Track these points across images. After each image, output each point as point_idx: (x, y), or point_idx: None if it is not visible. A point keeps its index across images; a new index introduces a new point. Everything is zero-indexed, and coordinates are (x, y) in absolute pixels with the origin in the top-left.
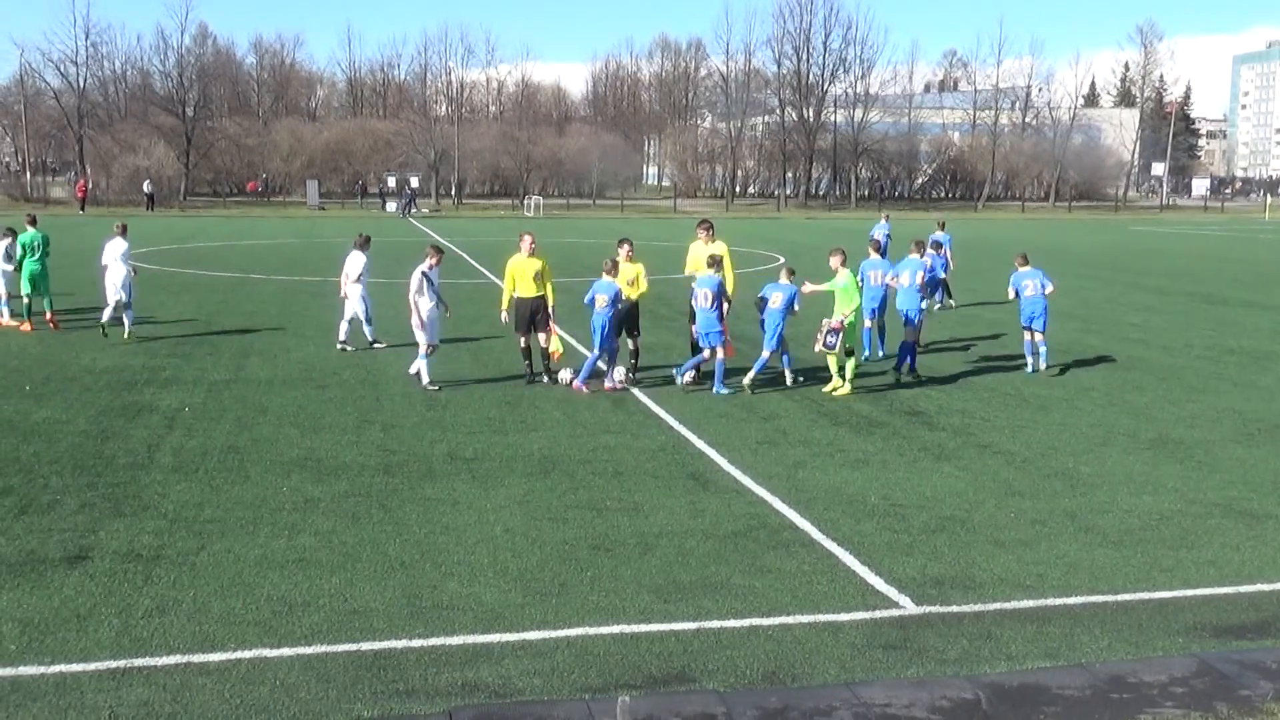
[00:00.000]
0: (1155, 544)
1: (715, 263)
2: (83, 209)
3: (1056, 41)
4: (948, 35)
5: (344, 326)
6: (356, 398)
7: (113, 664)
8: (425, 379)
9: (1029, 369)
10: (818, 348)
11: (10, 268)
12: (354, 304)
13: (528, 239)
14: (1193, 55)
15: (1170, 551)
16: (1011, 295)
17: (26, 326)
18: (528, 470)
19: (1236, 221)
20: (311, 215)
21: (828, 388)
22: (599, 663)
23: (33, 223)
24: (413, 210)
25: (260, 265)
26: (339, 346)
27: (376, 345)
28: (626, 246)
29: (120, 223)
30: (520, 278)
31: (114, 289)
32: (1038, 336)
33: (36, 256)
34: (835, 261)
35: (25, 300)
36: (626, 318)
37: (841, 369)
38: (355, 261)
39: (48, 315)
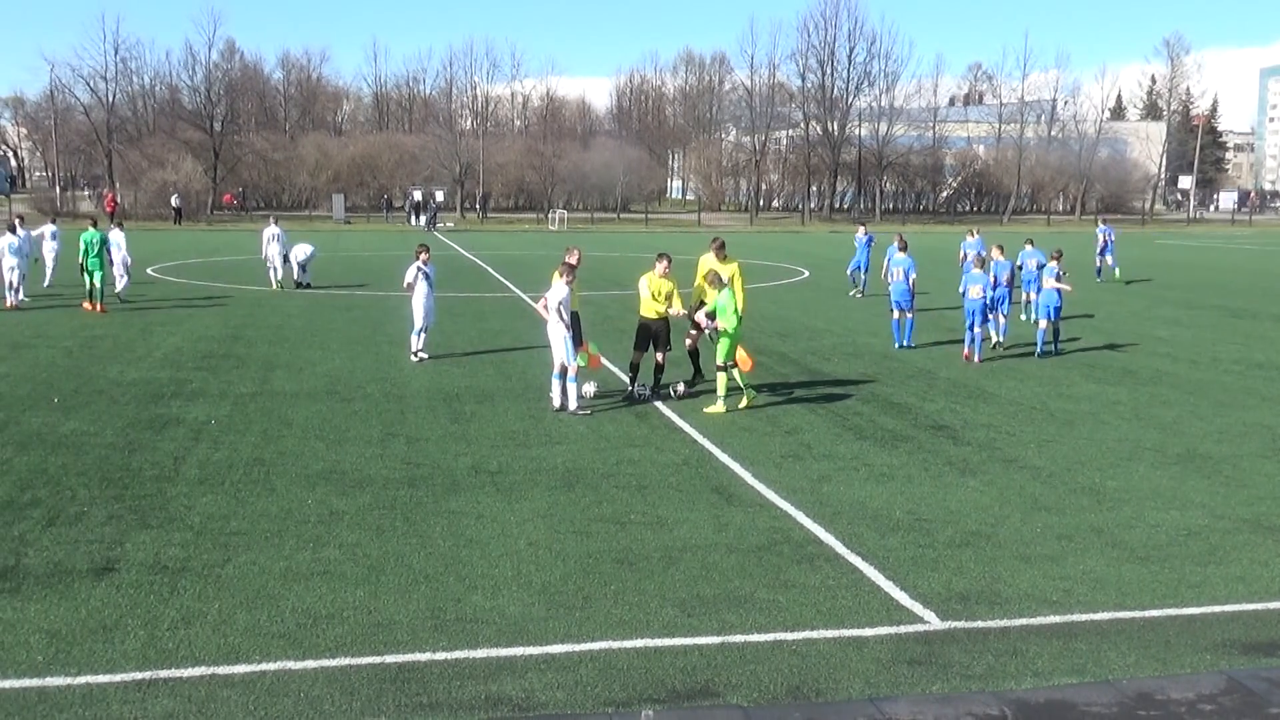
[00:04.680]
0: (1183, 559)
1: (1051, 260)
2: (111, 222)
3: (1082, 55)
4: (973, 49)
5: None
6: (381, 411)
7: (139, 675)
8: (573, 404)
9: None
10: (707, 334)
11: (18, 260)
12: (417, 310)
13: (664, 262)
14: (1220, 68)
15: (1198, 567)
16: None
17: (96, 308)
18: (551, 483)
19: (1264, 234)
20: (337, 229)
21: (709, 409)
22: (622, 676)
23: (94, 224)
24: (436, 224)
25: (284, 279)
26: (414, 357)
27: (421, 356)
28: (664, 263)
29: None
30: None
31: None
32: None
33: (95, 253)
34: (709, 284)
35: (87, 287)
36: (659, 333)
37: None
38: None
39: (99, 304)
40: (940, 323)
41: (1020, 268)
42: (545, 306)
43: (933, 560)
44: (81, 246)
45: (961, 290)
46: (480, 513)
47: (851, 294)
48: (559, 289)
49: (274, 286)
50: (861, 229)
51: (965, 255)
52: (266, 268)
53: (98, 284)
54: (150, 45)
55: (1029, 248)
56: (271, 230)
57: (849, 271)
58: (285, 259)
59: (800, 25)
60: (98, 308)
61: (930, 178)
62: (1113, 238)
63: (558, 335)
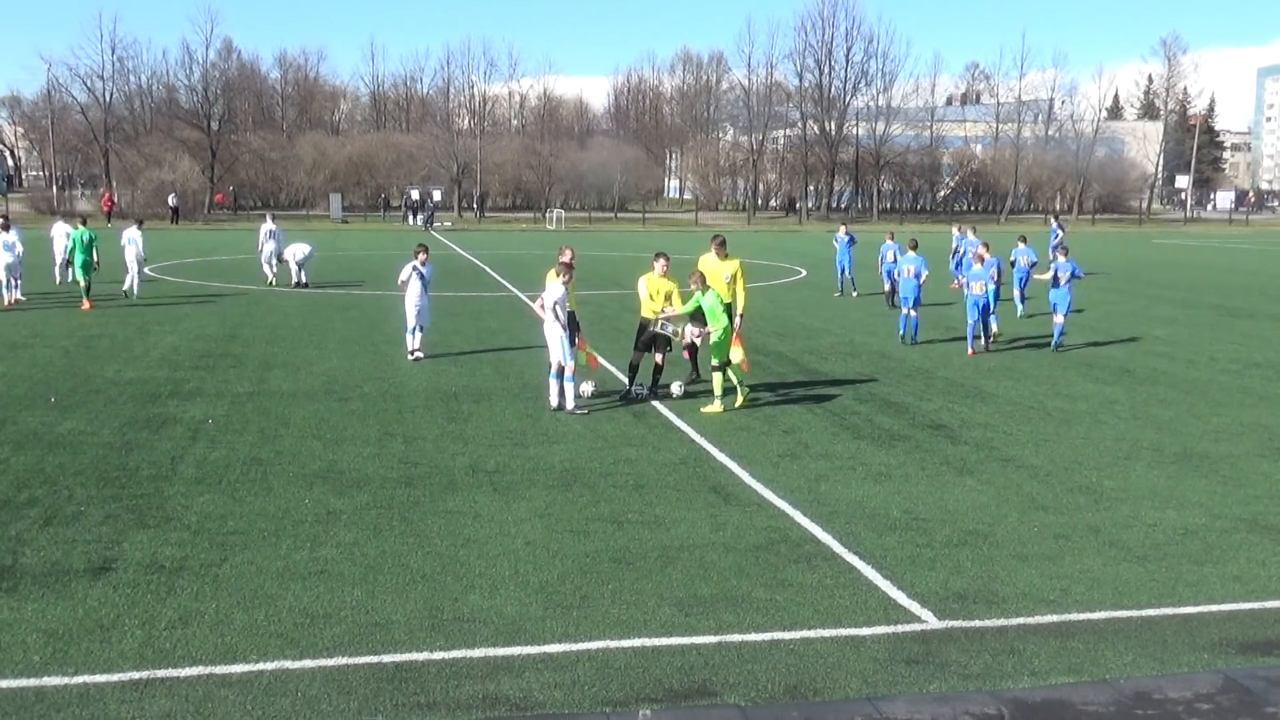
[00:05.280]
0: (1180, 559)
1: (1061, 256)
2: (109, 221)
3: (1080, 54)
4: (970, 48)
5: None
6: (378, 410)
7: (136, 675)
8: (570, 403)
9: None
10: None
11: (11, 258)
12: (410, 309)
13: (662, 261)
14: (1217, 68)
15: (1195, 566)
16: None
17: (86, 305)
18: (549, 483)
19: (1261, 234)
20: (335, 228)
21: (706, 409)
22: (620, 676)
23: (83, 222)
24: (433, 223)
25: (283, 278)
26: (411, 356)
27: (418, 355)
28: (662, 262)
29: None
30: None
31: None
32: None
33: (85, 251)
34: (694, 285)
35: (80, 284)
36: (657, 335)
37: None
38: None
39: (88, 300)
40: (939, 321)
41: (1013, 263)
42: (541, 306)
43: (930, 559)
44: (70, 244)
45: (965, 289)
46: (478, 512)
47: (836, 295)
48: (555, 289)
49: (270, 283)
50: (842, 229)
51: (960, 251)
52: (264, 265)
53: (87, 281)
54: (147, 44)
55: (1022, 245)
56: (268, 227)
57: (844, 275)
58: (279, 257)
59: (798, 25)
60: (86, 304)
61: (927, 177)
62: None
63: (554, 335)
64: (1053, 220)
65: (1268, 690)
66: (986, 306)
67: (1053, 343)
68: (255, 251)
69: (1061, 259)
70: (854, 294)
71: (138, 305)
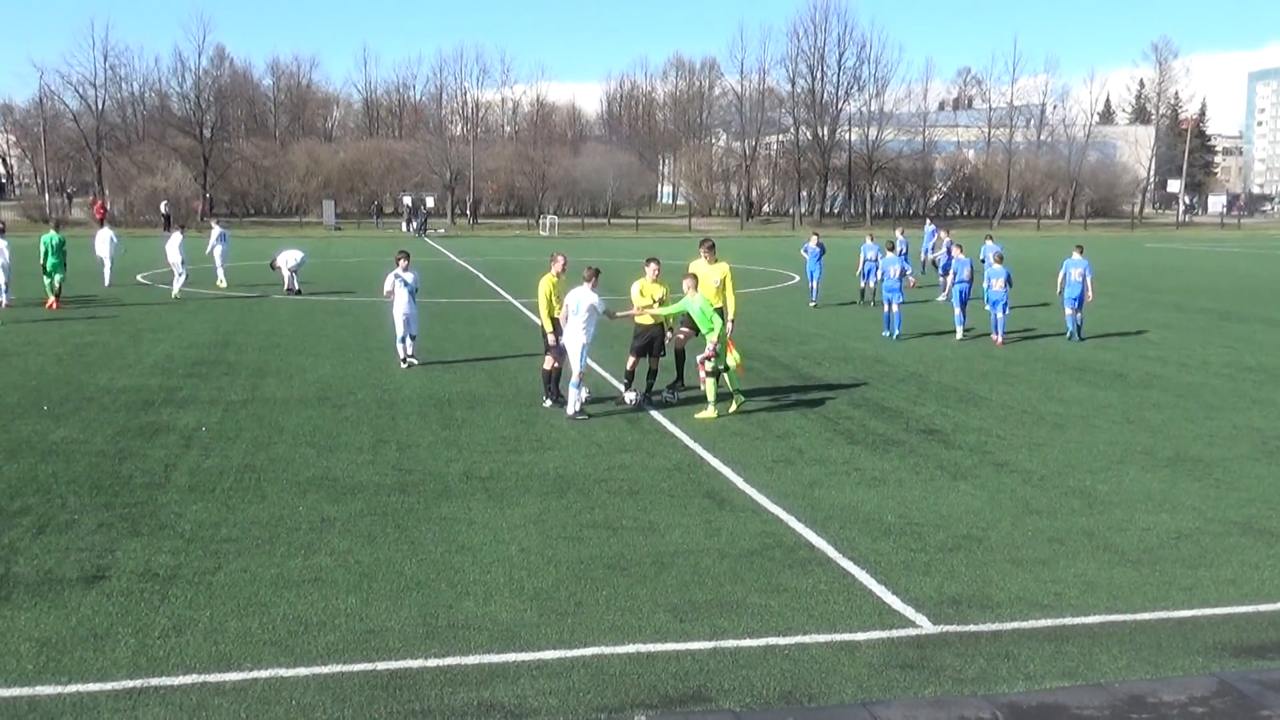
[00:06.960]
0: (1174, 562)
1: (1075, 252)
2: (101, 228)
3: (1071, 59)
4: (962, 53)
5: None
6: (372, 417)
7: (129, 684)
8: (573, 408)
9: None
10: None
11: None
12: (398, 318)
13: (653, 266)
14: (1209, 72)
15: (1189, 570)
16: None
17: (53, 304)
18: (543, 489)
19: (1253, 238)
20: (328, 235)
21: (700, 414)
22: (615, 682)
23: (56, 227)
24: (426, 230)
25: (276, 285)
26: (405, 363)
27: (411, 362)
28: (654, 266)
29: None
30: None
31: None
32: (1077, 314)
33: (55, 254)
34: (687, 285)
35: (48, 284)
36: (653, 339)
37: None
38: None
39: (55, 300)
40: (931, 326)
41: (983, 261)
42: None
43: (924, 564)
44: (42, 248)
45: (985, 284)
46: (472, 519)
47: (812, 305)
48: (589, 295)
49: (219, 284)
50: (813, 238)
51: (950, 253)
52: (218, 268)
53: (56, 282)
54: (139, 52)
55: (989, 242)
56: (217, 231)
57: (813, 283)
58: (272, 264)
59: (790, 30)
60: (54, 303)
61: (920, 182)
62: (931, 238)
63: (576, 342)
64: (929, 222)
65: (1261, 694)
66: (1004, 303)
67: (1069, 335)
68: (228, 259)
69: (1077, 254)
70: (812, 304)
71: (132, 311)
